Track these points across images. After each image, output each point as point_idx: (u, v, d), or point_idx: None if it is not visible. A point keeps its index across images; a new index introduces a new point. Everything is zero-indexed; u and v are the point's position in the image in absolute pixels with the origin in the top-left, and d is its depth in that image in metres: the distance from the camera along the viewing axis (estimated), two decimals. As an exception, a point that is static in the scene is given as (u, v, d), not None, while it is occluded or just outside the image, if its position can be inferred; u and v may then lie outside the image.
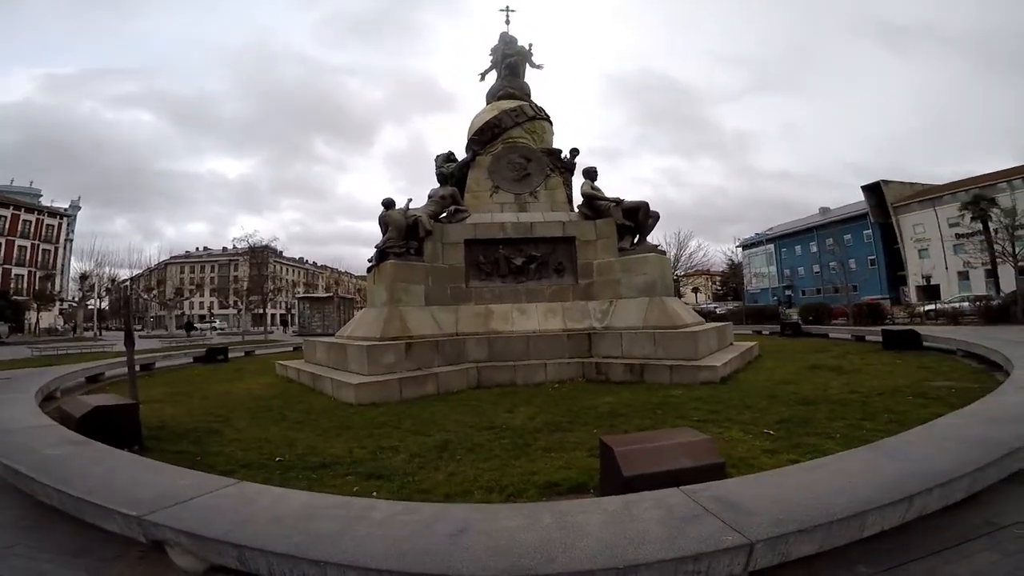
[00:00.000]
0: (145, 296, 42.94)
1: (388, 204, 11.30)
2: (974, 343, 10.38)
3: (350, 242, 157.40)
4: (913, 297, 46.53)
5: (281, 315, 73.40)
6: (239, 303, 53.07)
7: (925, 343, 12.52)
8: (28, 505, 3.36)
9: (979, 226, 30.78)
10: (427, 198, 12.35)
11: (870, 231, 56.45)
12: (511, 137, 13.22)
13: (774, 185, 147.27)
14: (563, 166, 13.65)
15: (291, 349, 22.31)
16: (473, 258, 11.61)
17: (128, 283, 46.16)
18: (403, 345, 9.11)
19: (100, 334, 41.63)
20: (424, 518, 2.49)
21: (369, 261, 11.50)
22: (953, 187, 49.07)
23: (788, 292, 66.27)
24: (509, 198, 12.85)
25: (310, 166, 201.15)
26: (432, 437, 5.39)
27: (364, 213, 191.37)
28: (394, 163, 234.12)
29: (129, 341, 7.89)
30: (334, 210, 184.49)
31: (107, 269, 43.99)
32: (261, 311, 43.31)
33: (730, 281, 72.24)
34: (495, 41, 15.33)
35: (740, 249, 73.33)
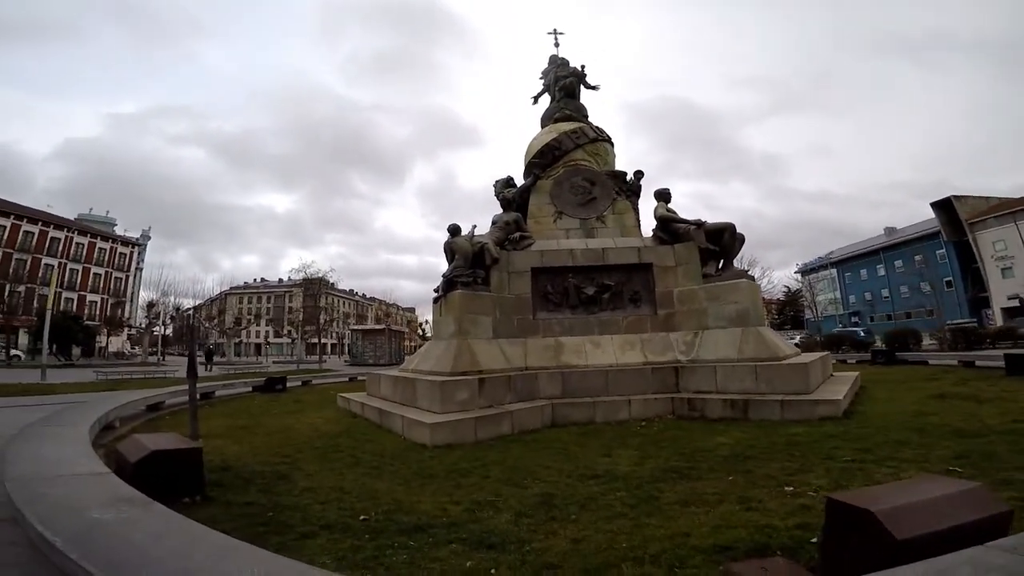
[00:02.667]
0: (207, 324, 44.56)
1: (454, 231, 10.87)
2: None
3: (391, 274, 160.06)
4: (998, 320, 42.55)
5: (332, 344, 74.98)
6: (293, 332, 54.40)
7: None
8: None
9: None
10: (491, 224, 11.89)
11: (943, 251, 52.52)
12: (572, 160, 12.69)
13: (812, 207, 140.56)
14: (629, 189, 12.92)
15: (347, 380, 22.19)
16: (540, 288, 10.96)
17: (191, 312, 48.20)
18: (476, 381, 8.47)
19: (163, 359, 43.27)
20: None
21: (436, 291, 11.02)
22: None
23: (855, 318, 62.26)
24: (574, 223, 12.22)
25: (349, 201, 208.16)
26: (530, 489, 4.67)
27: (401, 246, 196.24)
28: (426, 197, 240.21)
29: (192, 372, 7.54)
30: (373, 244, 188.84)
31: (172, 298, 46.10)
32: (315, 341, 44.00)
33: (787, 309, 68.77)
34: (544, 64, 15.17)
35: (799, 275, 69.97)
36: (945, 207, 50.98)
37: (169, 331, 57.26)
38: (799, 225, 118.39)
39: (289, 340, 61.46)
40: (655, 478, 4.88)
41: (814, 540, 3.07)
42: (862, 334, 31.22)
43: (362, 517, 3.97)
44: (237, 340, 56.79)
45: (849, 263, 67.55)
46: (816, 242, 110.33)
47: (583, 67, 14.68)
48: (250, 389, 16.89)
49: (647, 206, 13.00)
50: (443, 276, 10.70)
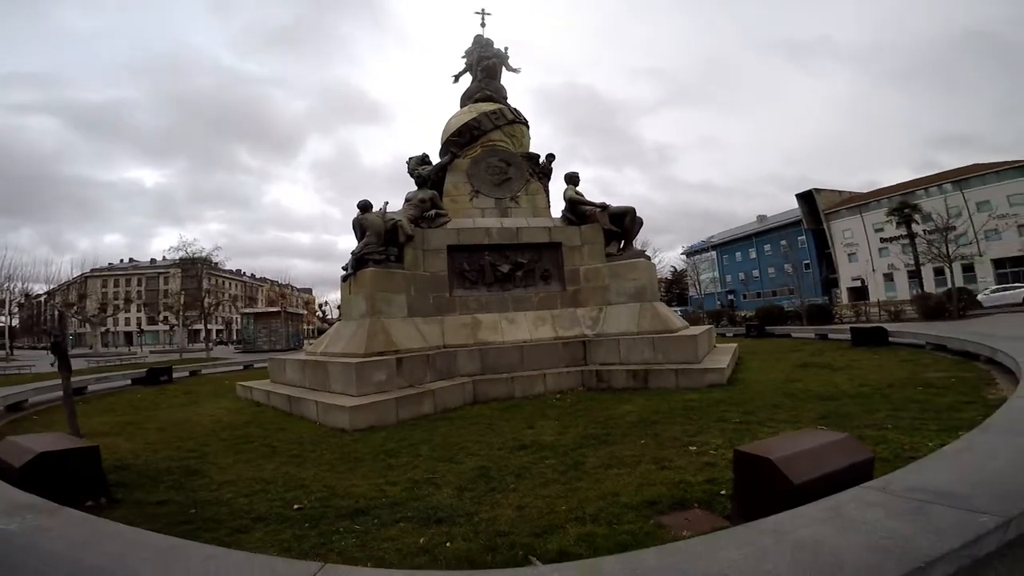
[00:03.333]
0: (66, 312, 38.66)
1: (364, 207, 10.47)
2: (946, 336, 11.00)
3: (282, 253, 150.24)
4: (844, 298, 49.72)
5: (218, 330, 68.94)
6: (171, 318, 49.16)
7: (891, 339, 13.09)
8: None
9: (903, 231, 33.11)
10: (404, 201, 11.61)
11: (803, 237, 59.93)
12: (490, 140, 12.71)
13: (697, 196, 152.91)
14: (541, 171, 13.25)
15: (241, 368, 20.64)
16: (457, 265, 10.98)
17: (58, 299, 41.54)
18: (393, 361, 8.36)
19: (12, 353, 37.28)
20: None
21: (344, 269, 10.55)
22: (877, 194, 53.06)
23: (730, 296, 69.15)
24: (489, 203, 12.31)
25: (234, 175, 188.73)
26: (464, 464, 4.79)
27: (294, 223, 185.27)
28: (322, 172, 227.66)
29: (64, 366, 6.76)
30: (261, 220, 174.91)
31: (18, 283, 39.48)
32: (200, 327, 40.10)
33: (673, 287, 74.65)
34: (468, 44, 14.86)
35: (685, 256, 76.18)
36: (807, 198, 58.15)
37: (15, 322, 49.22)
38: (684, 212, 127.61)
39: (167, 327, 55.36)
40: (578, 445, 5.23)
41: (723, 492, 3.52)
42: (737, 312, 34.84)
43: (296, 506, 3.85)
44: (104, 329, 50.08)
45: (727, 246, 74.82)
46: (699, 228, 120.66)
47: (506, 49, 14.62)
48: (129, 382, 15.24)
49: (556, 188, 13.50)
50: (352, 253, 10.26)
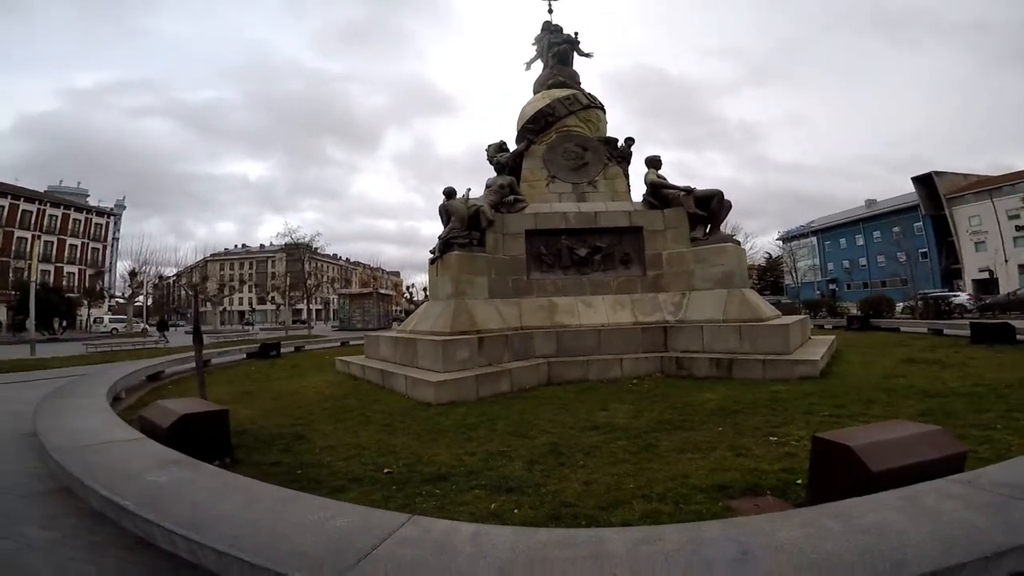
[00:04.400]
0: (191, 292, 43.85)
1: (449, 193, 10.95)
2: None
3: (371, 239, 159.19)
4: (968, 292, 44.16)
5: (318, 310, 74.63)
6: (277, 298, 53.94)
7: (1019, 337, 11.60)
8: (146, 553, 2.62)
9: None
10: (484, 187, 11.97)
11: (920, 223, 53.77)
12: (565, 126, 12.69)
13: (788, 178, 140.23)
14: (620, 155, 12.99)
15: (338, 344, 22.32)
16: (534, 249, 11.17)
17: (190, 280, 47.11)
18: (476, 340, 8.76)
19: (148, 330, 42.93)
20: (678, 546, 2.01)
21: (432, 252, 11.15)
22: (1011, 178, 46.31)
23: (832, 286, 63.79)
24: (567, 188, 12.34)
25: (324, 168, 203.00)
26: (536, 440, 5.01)
27: (380, 211, 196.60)
28: (403, 163, 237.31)
29: (198, 339, 7.74)
30: (350, 209, 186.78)
31: (152, 267, 45.17)
32: (301, 306, 43.78)
33: (767, 274, 70.07)
34: (537, 31, 14.83)
35: (781, 242, 71.07)
36: (925, 182, 51.94)
37: (150, 301, 56.53)
38: (775, 194, 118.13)
39: (273, 307, 61.01)
40: (651, 428, 5.26)
41: (799, 482, 3.44)
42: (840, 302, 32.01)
43: (386, 470, 4.25)
44: (222, 308, 56.19)
45: (829, 232, 68.72)
46: (792, 211, 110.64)
47: (576, 34, 14.45)
48: (245, 356, 17.01)
49: (636, 171, 13.23)
50: (439, 238, 10.82)
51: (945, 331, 15.32)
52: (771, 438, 4.73)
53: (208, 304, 49.67)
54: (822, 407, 5.88)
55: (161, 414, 4.96)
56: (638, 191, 12.59)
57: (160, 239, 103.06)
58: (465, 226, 10.55)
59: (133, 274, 42.11)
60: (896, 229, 49.18)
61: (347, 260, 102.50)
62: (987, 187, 48.05)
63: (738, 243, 11.57)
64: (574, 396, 7.46)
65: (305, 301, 40.37)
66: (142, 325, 43.01)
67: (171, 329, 38.23)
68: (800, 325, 10.72)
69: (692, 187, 11.31)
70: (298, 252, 43.73)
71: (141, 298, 46.70)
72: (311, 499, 2.91)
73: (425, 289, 49.98)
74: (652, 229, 11.20)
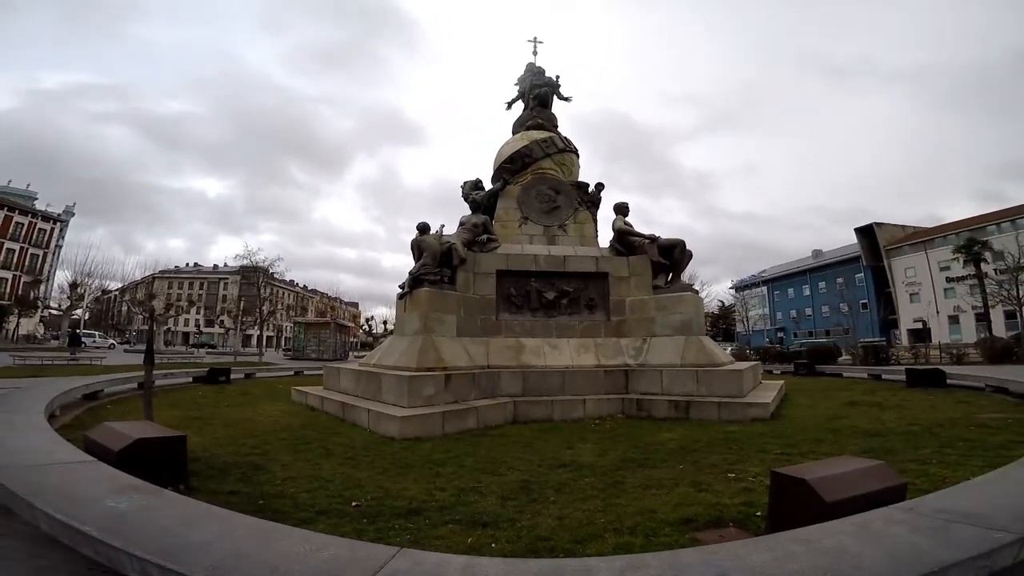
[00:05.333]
0: (135, 309, 41.58)
1: (423, 229, 11.10)
2: (1009, 380, 10.66)
3: (330, 267, 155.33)
4: (904, 340, 47.05)
5: (268, 337, 72.03)
6: (227, 322, 51.84)
7: (948, 381, 12.68)
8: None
9: (971, 270, 31.29)
10: (458, 225, 12.19)
11: (862, 274, 57.34)
12: (541, 168, 13.20)
13: (741, 226, 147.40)
14: (590, 200, 13.58)
15: (292, 373, 21.62)
16: (504, 290, 11.39)
17: (134, 296, 44.62)
18: (442, 377, 8.77)
19: (84, 345, 40.29)
20: (660, 572, 2.16)
21: (401, 287, 11.18)
22: (944, 230, 50.22)
23: (780, 334, 66.70)
24: (538, 230, 12.73)
25: (286, 189, 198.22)
26: (506, 476, 5.07)
27: (342, 239, 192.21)
28: (367, 191, 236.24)
29: (149, 359, 7.50)
30: (311, 234, 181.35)
31: (96, 279, 42.81)
32: (253, 332, 42.20)
33: (720, 321, 72.68)
34: (521, 72, 15.49)
35: (734, 291, 74.24)
36: (867, 233, 55.64)
37: (87, 315, 53.29)
38: (729, 243, 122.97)
39: (223, 331, 58.44)
40: (616, 467, 5.44)
41: (759, 514, 3.69)
42: (789, 348, 33.62)
43: (354, 503, 4.21)
44: (166, 328, 53.45)
45: (778, 282, 72.36)
46: (746, 260, 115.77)
47: (558, 78, 15.13)
48: (191, 379, 16.30)
49: (604, 217, 13.80)
50: (410, 273, 10.87)
51: (883, 376, 16.44)
52: (729, 474, 4.99)
53: (151, 323, 47.21)
54: (774, 446, 6.26)
55: (111, 436, 4.75)
56: (605, 236, 13.14)
57: (106, 250, 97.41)
58: (437, 263, 10.68)
59: (74, 285, 39.69)
60: (840, 280, 52.23)
61: (304, 287, 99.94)
62: (922, 239, 51.84)
63: (696, 292, 12.17)
64: (539, 435, 7.55)
65: (259, 327, 38.95)
66: (110, 341, 40.28)
67: (115, 347, 35.94)
68: (752, 370, 11.31)
69: (656, 236, 11.89)
70: (255, 275, 42.45)
71: (80, 311, 44.01)
72: (291, 530, 2.88)
73: (385, 323, 49.36)
74: (617, 276, 11.65)
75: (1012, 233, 38.79)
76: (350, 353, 43.69)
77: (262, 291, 39.13)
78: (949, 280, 46.23)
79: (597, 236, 13.39)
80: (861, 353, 25.06)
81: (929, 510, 2.77)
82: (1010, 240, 33.93)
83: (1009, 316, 34.58)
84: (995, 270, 29.81)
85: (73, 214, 62.64)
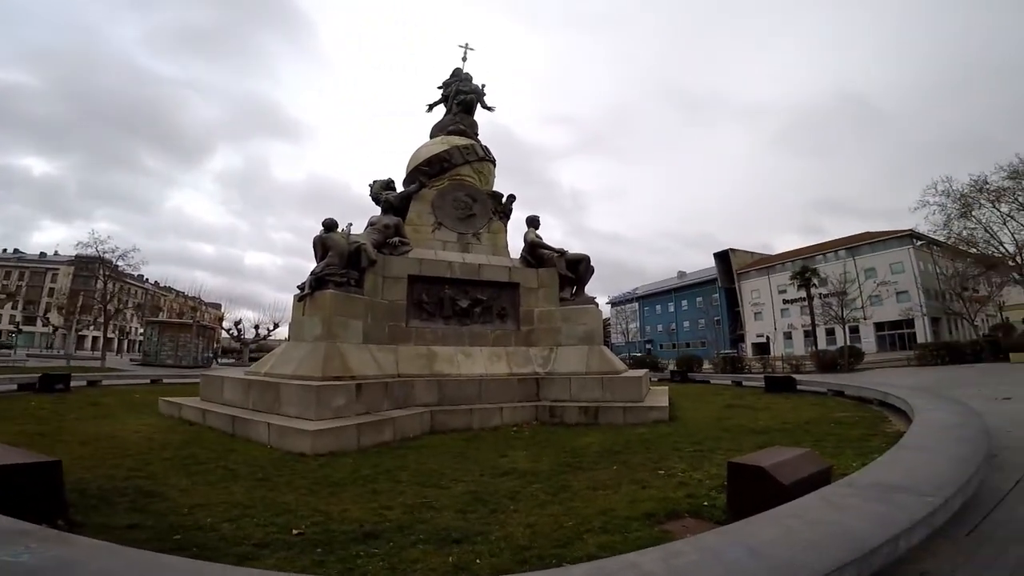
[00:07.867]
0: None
1: (329, 225, 10.31)
2: (845, 384, 12.97)
3: (184, 263, 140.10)
4: (749, 352, 54.17)
5: (109, 339, 62.19)
6: (55, 320, 43.83)
7: (799, 387, 14.80)
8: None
9: (803, 293, 36.92)
10: (367, 225, 11.58)
11: (718, 295, 65.17)
12: (459, 174, 13.06)
13: (609, 246, 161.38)
14: (503, 211, 13.70)
15: (148, 382, 18.84)
16: (416, 296, 11.02)
17: None
18: (353, 387, 8.20)
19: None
20: (698, 556, 2.35)
21: (299, 288, 10.23)
22: (783, 258, 59.24)
23: (648, 346, 72.93)
24: (452, 236, 12.55)
25: (133, 176, 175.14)
26: (452, 489, 4.87)
27: (198, 233, 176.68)
28: (230, 183, 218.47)
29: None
30: (162, 226, 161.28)
31: None
32: (91, 333, 36.03)
33: (597, 334, 77.50)
34: (446, 76, 15.33)
35: (610, 306, 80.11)
36: (723, 258, 63.58)
37: None
38: (599, 262, 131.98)
39: (49, 329, 49.01)
40: (556, 472, 5.52)
41: (706, 504, 4.04)
42: (660, 359, 36.87)
43: (294, 531, 3.72)
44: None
45: (649, 299, 79.71)
46: (613, 278, 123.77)
47: (484, 86, 15.12)
48: (15, 387, 13.56)
49: (513, 228, 14.04)
50: (312, 273, 10.00)
51: (744, 383, 18.80)
52: (659, 471, 5.33)
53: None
54: (685, 445, 6.81)
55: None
56: (515, 247, 13.34)
57: None
58: (344, 263, 9.99)
59: None
60: (700, 299, 59.05)
61: (156, 284, 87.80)
62: (766, 265, 60.75)
63: (598, 305, 12.83)
64: (465, 444, 7.40)
65: (103, 328, 33.22)
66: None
67: None
68: (646, 377, 12.35)
69: (565, 250, 12.36)
70: (96, 267, 36.27)
71: None
72: (236, 571, 2.46)
73: (257, 327, 45.01)
74: (528, 286, 11.88)
75: (835, 262, 47.01)
76: (214, 361, 39.14)
77: (107, 285, 33.40)
78: (785, 302, 54.19)
79: (507, 247, 13.55)
80: (720, 363, 28.39)
81: (864, 485, 3.37)
82: (833, 268, 41.04)
83: (828, 333, 41.84)
84: (819, 294, 35.37)
85: None
